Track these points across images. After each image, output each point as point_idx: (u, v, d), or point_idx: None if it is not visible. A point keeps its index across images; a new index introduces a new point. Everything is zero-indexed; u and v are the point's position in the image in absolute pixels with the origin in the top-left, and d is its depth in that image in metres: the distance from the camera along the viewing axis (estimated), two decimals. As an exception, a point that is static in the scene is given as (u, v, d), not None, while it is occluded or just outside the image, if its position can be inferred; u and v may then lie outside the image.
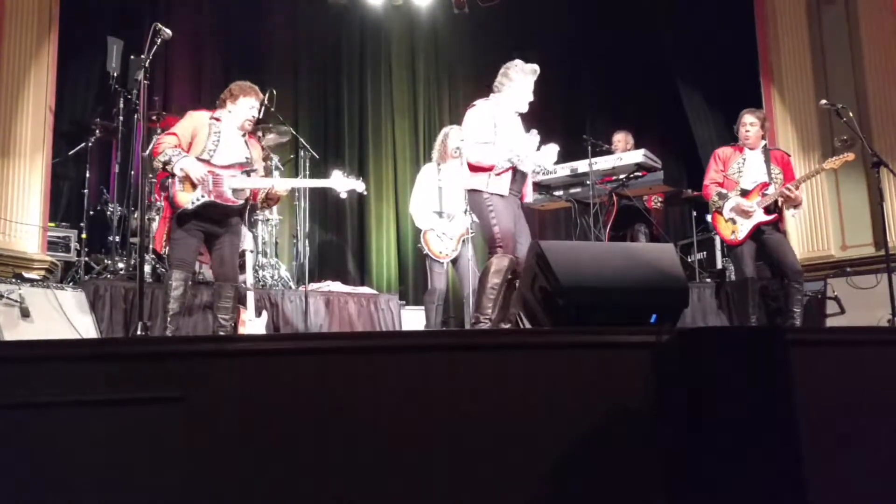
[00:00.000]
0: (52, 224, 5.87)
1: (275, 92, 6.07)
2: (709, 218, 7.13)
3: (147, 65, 3.68)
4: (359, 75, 8.34)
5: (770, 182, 5.13)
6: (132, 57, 6.35)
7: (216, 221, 4.39)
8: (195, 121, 4.46)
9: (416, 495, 2.12)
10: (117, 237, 5.81)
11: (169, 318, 4.27)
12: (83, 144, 5.99)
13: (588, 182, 5.72)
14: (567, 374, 2.26)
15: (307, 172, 6.20)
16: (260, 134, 5.85)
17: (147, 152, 4.48)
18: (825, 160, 5.31)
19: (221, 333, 4.32)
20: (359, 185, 4.72)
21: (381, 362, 2.22)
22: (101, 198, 6.19)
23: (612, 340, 2.34)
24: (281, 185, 4.56)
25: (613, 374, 2.27)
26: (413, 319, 6.34)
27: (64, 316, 4.57)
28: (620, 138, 6.81)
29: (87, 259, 5.78)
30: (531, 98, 4.53)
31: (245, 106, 4.48)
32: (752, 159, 5.23)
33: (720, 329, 3.90)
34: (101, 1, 6.69)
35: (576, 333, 2.45)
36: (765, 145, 5.31)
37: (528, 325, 3.17)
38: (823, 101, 5.27)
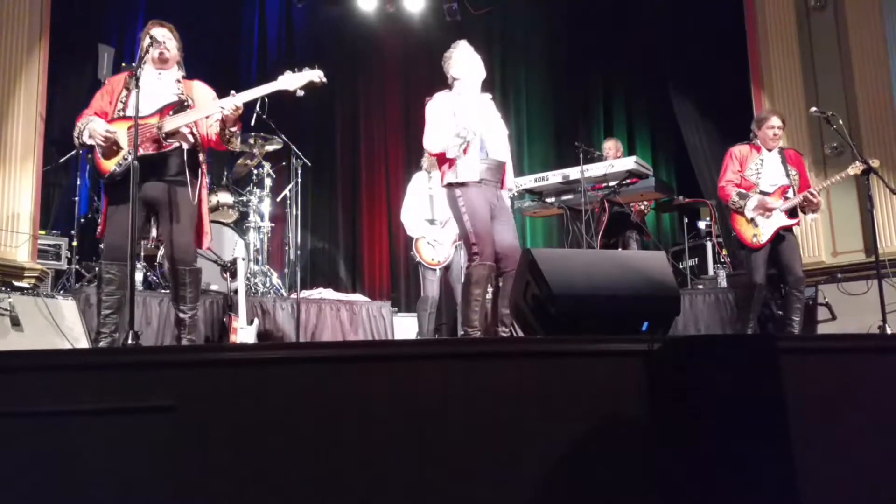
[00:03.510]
0: (43, 232, 5.85)
1: (267, 100, 6.07)
2: (705, 224, 7.18)
3: (138, 73, 3.65)
4: (352, 82, 8.35)
5: (790, 185, 5.09)
6: (123, 65, 6.35)
7: (152, 184, 3.79)
8: (110, 84, 3.98)
9: (409, 505, 2.12)
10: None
11: (102, 321, 3.74)
12: (74, 152, 5.97)
13: (580, 189, 5.74)
14: (559, 382, 2.26)
15: (299, 179, 6.19)
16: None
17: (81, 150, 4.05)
18: (849, 166, 5.11)
19: (185, 338, 3.90)
20: (314, 75, 3.97)
21: (374, 371, 2.21)
22: (92, 205, 6.17)
23: (604, 349, 2.34)
24: (227, 103, 3.82)
25: (605, 382, 2.28)
26: (405, 327, 6.33)
27: (55, 325, 4.54)
28: (611, 145, 6.83)
29: (77, 267, 5.76)
30: (480, 70, 4.36)
31: (146, 44, 3.85)
32: (770, 160, 5.16)
33: (712, 337, 3.90)
34: (92, 9, 6.68)
35: (568, 342, 2.45)
36: (781, 146, 5.28)
37: (520, 333, 3.17)
38: (814, 109, 5.28)
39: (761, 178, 5.10)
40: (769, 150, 5.18)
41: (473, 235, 4.11)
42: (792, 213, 5.06)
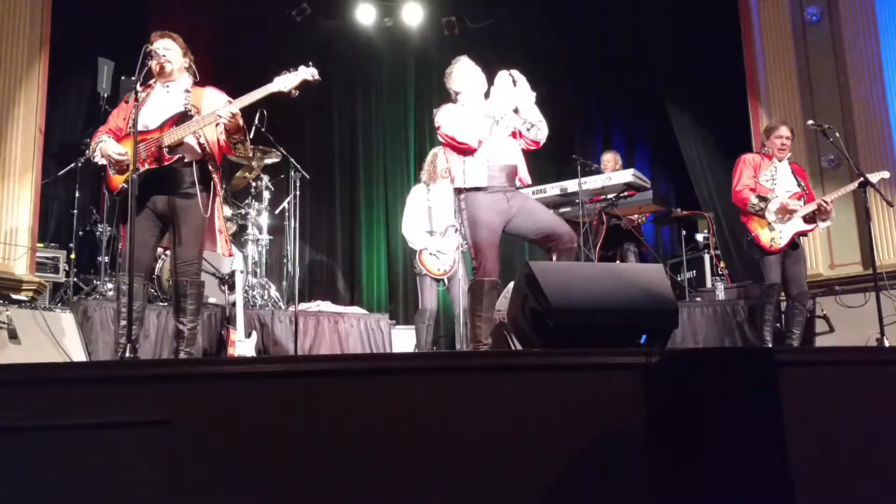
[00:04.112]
0: (41, 245, 5.85)
1: (265, 112, 6.09)
2: (703, 236, 7.18)
3: (138, 87, 3.67)
4: (350, 95, 8.38)
5: (803, 193, 5.15)
6: (122, 78, 6.37)
7: (161, 197, 3.84)
8: (125, 102, 4.01)
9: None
10: (106, 258, 5.77)
11: (121, 332, 3.80)
12: (72, 165, 5.98)
13: (577, 201, 5.74)
14: (557, 395, 2.26)
15: (297, 192, 6.20)
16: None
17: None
18: (857, 176, 5.08)
19: (183, 350, 3.92)
20: (308, 73, 3.92)
21: (372, 385, 2.21)
22: (91, 218, 6.17)
23: (602, 362, 2.34)
24: (223, 112, 3.82)
25: (603, 396, 2.27)
26: (404, 339, 6.32)
27: (52, 338, 4.53)
28: (609, 158, 6.85)
29: (75, 280, 5.75)
30: (481, 82, 4.31)
31: (153, 56, 3.88)
32: (783, 170, 5.23)
33: (710, 350, 3.90)
34: (92, 22, 6.70)
35: (566, 355, 2.45)
36: (789, 158, 5.32)
37: (518, 346, 3.17)
38: (810, 122, 5.30)
39: (777, 185, 5.15)
40: (779, 161, 5.24)
41: (473, 249, 4.06)
42: (807, 219, 5.09)
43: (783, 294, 5.25)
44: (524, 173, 4.25)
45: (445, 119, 4.17)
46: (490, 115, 4.07)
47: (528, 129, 4.26)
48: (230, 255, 4.27)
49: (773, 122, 5.48)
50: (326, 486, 2.09)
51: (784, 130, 5.23)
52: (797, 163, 5.63)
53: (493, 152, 4.13)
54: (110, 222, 5.88)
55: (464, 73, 4.34)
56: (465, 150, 4.10)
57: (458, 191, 4.14)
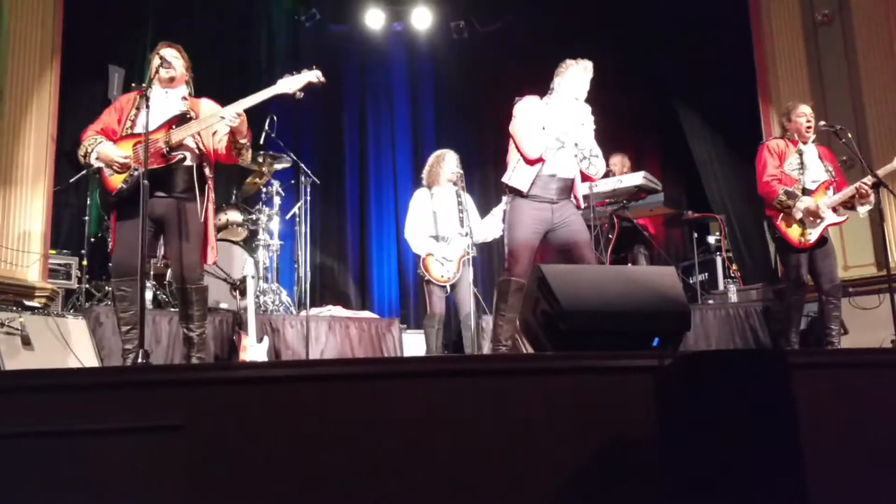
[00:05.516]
0: (53, 251, 5.87)
1: (275, 118, 6.11)
2: (714, 238, 7.14)
3: (148, 94, 3.70)
4: (359, 100, 8.39)
5: (832, 181, 4.90)
6: (133, 85, 6.41)
7: (159, 200, 3.82)
8: (119, 103, 4.10)
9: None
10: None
11: (124, 338, 3.78)
12: (84, 172, 6.01)
13: (588, 205, 5.72)
14: (568, 398, 2.26)
15: (308, 197, 6.21)
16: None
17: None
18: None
19: (195, 356, 3.94)
20: (312, 75, 4.02)
21: (383, 389, 2.21)
22: (102, 224, 6.20)
23: (613, 365, 2.34)
24: (227, 112, 3.88)
25: (615, 399, 2.27)
26: (415, 343, 6.31)
27: (65, 344, 4.55)
28: (617, 161, 6.82)
29: (87, 286, 5.77)
30: (580, 93, 4.36)
31: (156, 65, 3.97)
32: (809, 155, 4.96)
33: (722, 353, 3.88)
34: (102, 30, 6.74)
35: (577, 358, 2.44)
36: (813, 139, 5.05)
37: (529, 350, 3.16)
38: (822, 123, 5.20)
39: (804, 174, 4.90)
40: (804, 144, 4.99)
41: (507, 250, 4.17)
42: (845, 206, 4.88)
43: (818, 290, 4.99)
44: (579, 193, 4.32)
45: (520, 116, 4.24)
46: (561, 140, 4.18)
47: (581, 160, 4.31)
48: (213, 263, 4.25)
49: (788, 103, 5.20)
50: (339, 490, 2.09)
51: (805, 109, 4.97)
52: (824, 145, 5.31)
53: (551, 165, 4.19)
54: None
55: (572, 77, 4.34)
56: (523, 158, 4.19)
57: (505, 186, 4.24)
